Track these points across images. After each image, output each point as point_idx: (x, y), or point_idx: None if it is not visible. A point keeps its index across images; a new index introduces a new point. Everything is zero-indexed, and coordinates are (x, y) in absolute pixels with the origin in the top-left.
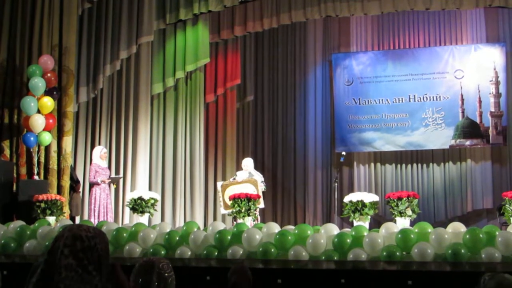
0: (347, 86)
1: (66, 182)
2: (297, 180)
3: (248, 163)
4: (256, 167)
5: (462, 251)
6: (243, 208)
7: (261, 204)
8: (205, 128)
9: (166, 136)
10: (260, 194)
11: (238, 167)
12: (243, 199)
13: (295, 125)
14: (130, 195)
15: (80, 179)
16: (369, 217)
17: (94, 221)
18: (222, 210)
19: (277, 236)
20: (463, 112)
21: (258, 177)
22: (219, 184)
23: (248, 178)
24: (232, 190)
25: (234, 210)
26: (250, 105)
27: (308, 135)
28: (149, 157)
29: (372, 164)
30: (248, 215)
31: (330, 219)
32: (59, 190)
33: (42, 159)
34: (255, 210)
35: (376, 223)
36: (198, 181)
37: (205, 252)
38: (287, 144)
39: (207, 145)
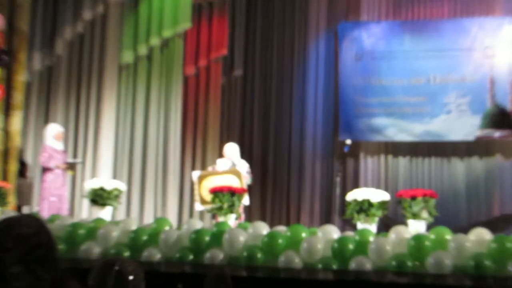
0: (355, 62)
1: (13, 166)
2: (291, 173)
3: (231, 150)
4: (242, 156)
5: (487, 263)
6: (225, 204)
7: (246, 200)
8: (183, 107)
9: (135, 115)
10: (245, 188)
11: (220, 155)
12: (225, 193)
13: (291, 106)
14: (89, 184)
15: (31, 163)
16: (376, 219)
17: (45, 214)
18: (197, 206)
19: (266, 239)
20: (492, 98)
21: (243, 167)
22: (195, 174)
23: (230, 169)
24: (210, 182)
25: (214, 206)
26: (238, 81)
27: (306, 119)
28: (114, 139)
29: (382, 156)
30: (231, 212)
31: (329, 220)
32: (4, 176)
33: None
34: (239, 206)
35: (384, 227)
36: (172, 170)
37: (178, 255)
38: (281, 129)
39: (184, 127)
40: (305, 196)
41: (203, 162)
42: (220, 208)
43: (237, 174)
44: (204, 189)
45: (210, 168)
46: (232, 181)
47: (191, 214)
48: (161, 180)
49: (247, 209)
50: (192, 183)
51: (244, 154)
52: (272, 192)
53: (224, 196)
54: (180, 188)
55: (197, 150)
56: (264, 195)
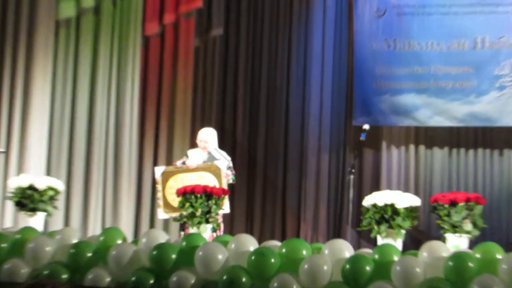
0: (376, 18)
1: None
2: (288, 169)
3: (208, 137)
4: (221, 146)
5: None
6: (198, 211)
7: (226, 206)
8: (142, 79)
9: (77, 89)
10: (226, 189)
11: (193, 144)
12: (198, 195)
13: (288, 79)
14: (14, 182)
15: None
16: (403, 231)
17: None
18: (160, 213)
19: (253, 257)
20: None
21: (223, 161)
22: (158, 170)
23: (206, 163)
24: (179, 182)
25: (184, 214)
26: (216, 43)
27: (309, 96)
28: (49, 122)
29: (412, 147)
30: (207, 221)
31: (339, 232)
32: None
33: None
34: (218, 214)
35: (414, 242)
36: (127, 164)
37: (133, 278)
38: (274, 111)
39: (144, 106)
40: (306, 200)
41: (169, 154)
42: (191, 216)
43: (216, 171)
44: (170, 191)
45: (178, 163)
46: (208, 180)
47: (152, 224)
48: (111, 177)
49: (228, 217)
50: (154, 183)
51: (225, 144)
52: (262, 195)
53: (197, 200)
54: (137, 189)
55: (161, 137)
56: (251, 199)
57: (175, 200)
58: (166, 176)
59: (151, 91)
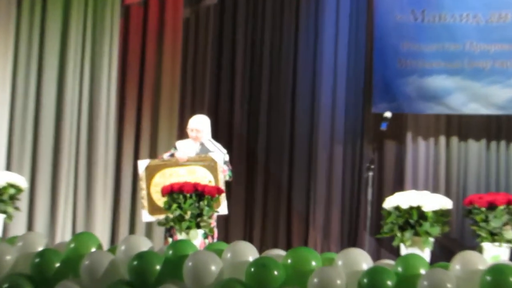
0: None
1: None
2: (295, 165)
3: (200, 125)
4: (215, 136)
5: None
6: (188, 213)
7: (223, 208)
8: (121, 57)
9: (43, 69)
10: (222, 187)
11: (182, 134)
12: (188, 195)
13: (295, 57)
14: None
15: None
16: (431, 239)
17: None
18: (144, 215)
19: (253, 269)
20: None
21: (219, 153)
22: (141, 165)
23: (199, 155)
24: (166, 178)
25: (170, 217)
26: (210, 13)
27: (320, 78)
28: (9, 108)
29: (442, 139)
30: (198, 226)
31: (355, 240)
32: None
33: None
34: (211, 217)
35: (444, 252)
36: (102, 157)
37: None
38: (279, 95)
39: (123, 89)
40: (316, 201)
41: (153, 146)
42: (179, 220)
43: (211, 165)
44: (156, 189)
45: (166, 155)
46: (201, 176)
47: (132, 228)
48: (84, 174)
49: (223, 221)
50: (135, 179)
51: (220, 135)
52: (264, 195)
53: (186, 200)
54: (114, 187)
55: (144, 126)
56: (250, 199)
57: (162, 200)
58: (151, 171)
59: (132, 72)
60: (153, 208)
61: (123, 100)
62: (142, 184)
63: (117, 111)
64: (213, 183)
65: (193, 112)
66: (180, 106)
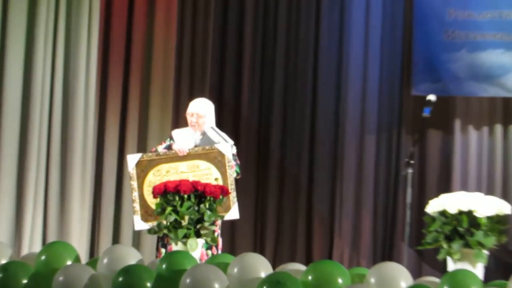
0: None
1: None
2: (317, 160)
3: (202, 110)
4: (220, 125)
5: None
6: (185, 218)
7: (234, 211)
8: (103, 30)
9: (7, 47)
10: (232, 185)
11: (177, 123)
12: (185, 196)
13: (317, 29)
14: None
15: None
16: (485, 253)
17: None
18: (137, 223)
19: (265, 287)
20: None
21: (225, 145)
22: (131, 160)
23: (202, 148)
24: (164, 176)
25: (164, 223)
26: None
27: (347, 54)
28: None
29: (498, 128)
30: (198, 234)
31: (391, 252)
32: None
33: None
34: (214, 223)
35: (501, 268)
36: (79, 152)
37: None
38: (296, 76)
39: (105, 69)
40: (343, 204)
41: (143, 137)
42: (174, 227)
43: (217, 159)
44: (150, 189)
45: (161, 148)
46: (206, 172)
47: (116, 237)
48: (57, 170)
49: (228, 229)
50: (121, 177)
51: (224, 124)
52: (278, 197)
53: (183, 202)
54: (95, 186)
55: (131, 114)
56: (261, 201)
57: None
58: (143, 168)
59: (116, 49)
60: (148, 213)
61: (105, 80)
62: (133, 183)
63: (97, 94)
64: (220, 181)
65: (192, 97)
66: (175, 88)
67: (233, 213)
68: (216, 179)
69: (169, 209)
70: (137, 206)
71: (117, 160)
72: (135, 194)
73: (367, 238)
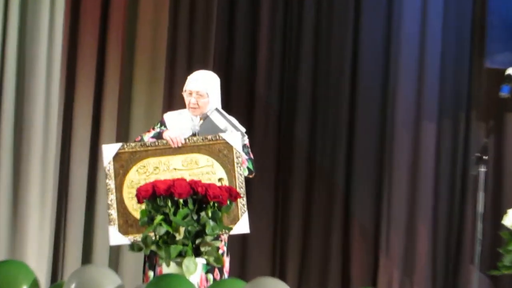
0: None
1: None
2: (357, 156)
3: (203, 86)
4: (228, 107)
5: None
6: (181, 231)
7: (243, 223)
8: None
9: None
10: (242, 188)
11: (171, 104)
12: (181, 201)
13: None
14: None
15: None
16: None
17: None
18: (113, 235)
19: None
20: None
21: (234, 134)
22: (108, 151)
23: (203, 137)
24: (151, 173)
25: (151, 236)
26: None
27: (398, 17)
28: None
29: None
30: (197, 252)
31: (456, 277)
32: None
33: None
34: (219, 238)
35: None
36: (39, 141)
37: None
38: (330, 46)
39: (74, 30)
40: (391, 214)
41: (125, 122)
42: (166, 241)
43: (222, 153)
44: (132, 191)
45: (147, 137)
46: (206, 169)
47: (87, 254)
48: (8, 166)
49: (239, 243)
50: (94, 175)
51: (235, 109)
52: (305, 204)
53: (178, 209)
54: (59, 186)
55: (108, 91)
56: (283, 210)
57: (137, 209)
58: (124, 163)
59: (89, 12)
60: (128, 224)
61: (75, 45)
62: (110, 183)
63: (63, 63)
64: (226, 182)
65: (191, 69)
66: (168, 57)
67: (242, 226)
68: (220, 180)
69: (158, 218)
70: (113, 213)
71: (89, 152)
72: (112, 198)
73: (424, 258)
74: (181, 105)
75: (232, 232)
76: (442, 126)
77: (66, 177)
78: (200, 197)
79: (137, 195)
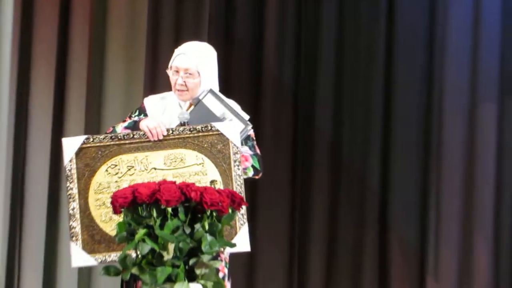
0: None
1: None
2: (395, 151)
3: (195, 63)
4: (227, 90)
5: None
6: (170, 248)
7: (242, 239)
8: None
9: None
10: (242, 192)
11: (153, 86)
12: (169, 209)
13: None
14: None
15: None
16: None
17: None
18: (76, 254)
19: None
20: None
21: (232, 124)
22: (69, 146)
23: (192, 128)
24: (125, 176)
25: (132, 256)
26: None
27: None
28: None
29: None
30: (191, 275)
31: None
32: None
33: None
34: (218, 257)
35: None
36: None
37: None
38: (360, 5)
39: (28, 10)
40: (440, 224)
41: (97, 109)
42: (151, 262)
43: (215, 148)
44: (100, 197)
45: (121, 127)
46: (195, 169)
47: (49, 278)
48: None
49: (244, 264)
50: (57, 177)
51: (237, 88)
52: (329, 209)
53: (164, 222)
54: (12, 194)
55: (73, 70)
56: (302, 218)
57: (112, 221)
58: (90, 161)
59: None
60: (94, 239)
61: (30, 13)
62: (72, 187)
63: (15, 35)
64: (220, 185)
65: (179, 40)
66: (150, 24)
67: (240, 242)
68: (213, 182)
69: (141, 232)
70: (76, 225)
71: (50, 148)
72: (74, 206)
73: (484, 281)
74: (167, 86)
75: (228, 251)
76: (505, 111)
77: (20, 179)
78: (193, 205)
79: (112, 203)
